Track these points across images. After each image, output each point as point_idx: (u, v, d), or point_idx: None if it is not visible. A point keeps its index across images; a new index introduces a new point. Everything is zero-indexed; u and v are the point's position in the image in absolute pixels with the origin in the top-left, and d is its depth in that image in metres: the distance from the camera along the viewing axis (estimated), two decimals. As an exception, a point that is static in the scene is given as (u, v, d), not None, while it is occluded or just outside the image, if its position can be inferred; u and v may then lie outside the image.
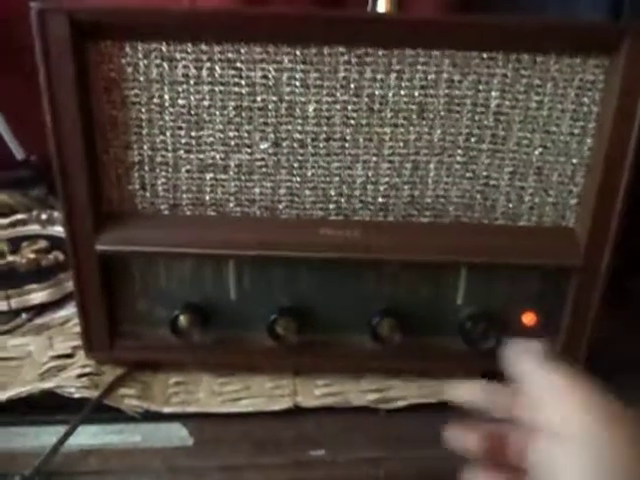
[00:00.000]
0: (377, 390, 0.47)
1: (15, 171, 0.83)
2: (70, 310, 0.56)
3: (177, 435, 0.43)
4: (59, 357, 0.49)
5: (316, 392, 0.47)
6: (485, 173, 0.44)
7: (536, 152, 0.44)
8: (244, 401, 0.46)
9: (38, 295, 0.58)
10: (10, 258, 0.62)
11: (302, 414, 0.46)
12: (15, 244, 0.64)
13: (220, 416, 0.45)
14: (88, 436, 0.43)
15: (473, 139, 0.43)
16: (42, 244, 0.64)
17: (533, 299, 0.47)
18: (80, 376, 0.46)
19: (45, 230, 0.67)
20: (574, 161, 0.44)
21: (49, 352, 0.50)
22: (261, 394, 0.47)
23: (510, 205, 0.45)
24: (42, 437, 0.43)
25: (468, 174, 0.44)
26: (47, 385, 0.44)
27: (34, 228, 0.68)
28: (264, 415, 0.45)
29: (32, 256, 0.62)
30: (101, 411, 0.44)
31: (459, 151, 0.44)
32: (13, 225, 0.68)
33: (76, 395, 0.44)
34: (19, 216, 0.69)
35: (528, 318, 0.48)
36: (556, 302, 0.47)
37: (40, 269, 0.61)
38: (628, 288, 0.57)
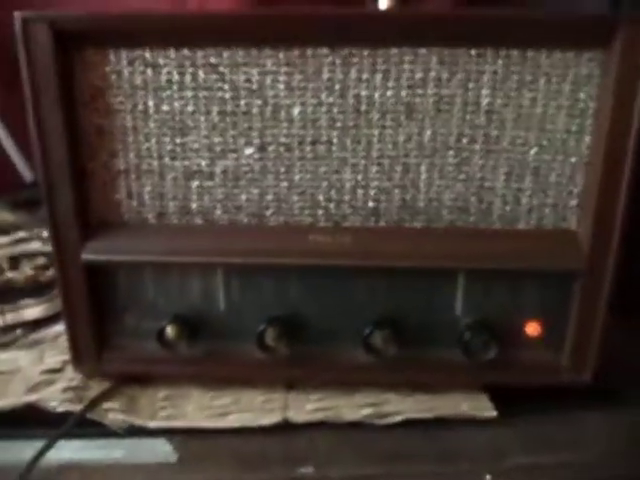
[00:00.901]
0: (371, 404, 0.45)
1: (23, 192, 0.85)
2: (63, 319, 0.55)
3: (161, 451, 0.42)
4: (49, 372, 0.49)
5: (308, 406, 0.45)
6: (479, 175, 0.43)
7: (532, 151, 0.42)
8: (232, 416, 0.44)
9: (33, 310, 0.57)
10: (9, 274, 0.62)
11: (293, 429, 0.44)
12: (16, 261, 0.64)
13: (207, 431, 0.43)
14: (70, 451, 0.41)
15: (465, 139, 0.42)
16: (41, 261, 0.64)
17: (535, 307, 0.45)
18: (65, 390, 0.45)
19: (45, 247, 0.67)
20: (573, 160, 0.42)
21: (39, 366, 0.49)
22: (251, 408, 0.45)
23: (507, 208, 0.43)
24: (26, 451, 0.41)
25: (461, 176, 0.43)
26: (30, 398, 0.43)
27: (35, 246, 0.68)
28: (253, 430, 0.43)
29: (31, 273, 0.62)
30: (85, 426, 0.43)
31: (451, 152, 0.42)
32: (15, 243, 0.68)
33: (59, 409, 0.43)
34: (21, 234, 0.69)
35: (532, 328, 0.46)
36: (560, 310, 0.45)
37: (38, 285, 0.61)
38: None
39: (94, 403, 0.44)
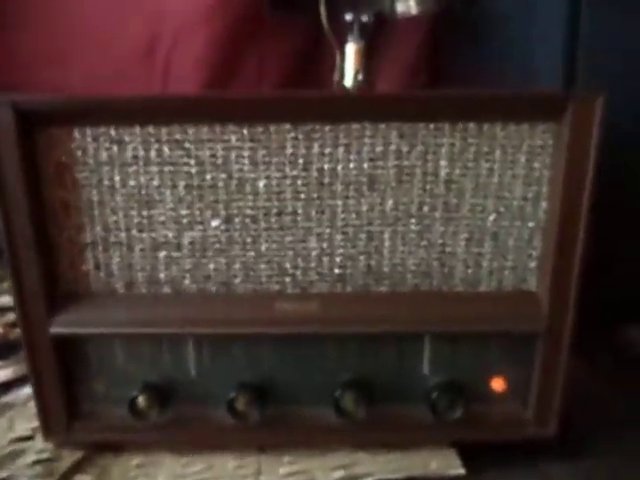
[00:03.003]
0: (343, 466, 0.45)
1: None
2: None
3: (134, 525, 0.42)
4: (19, 440, 0.48)
5: (281, 470, 0.45)
6: (440, 241, 0.44)
7: (490, 218, 0.44)
8: (204, 484, 0.44)
9: (3, 372, 0.57)
10: (-22, 333, 0.61)
11: (266, 495, 0.44)
12: (-16, 317, 0.64)
13: (180, 501, 0.43)
14: (40, 530, 0.41)
15: (426, 208, 0.43)
16: (11, 317, 0.63)
17: (500, 365, 0.46)
18: (35, 464, 0.44)
19: (15, 302, 0.66)
20: (530, 225, 0.44)
21: (9, 434, 0.49)
22: (224, 475, 0.45)
23: (468, 271, 0.45)
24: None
25: (423, 242, 0.44)
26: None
27: (5, 300, 0.67)
28: (226, 498, 0.44)
29: (0, 330, 0.61)
30: (57, 500, 0.43)
31: (412, 220, 0.43)
32: (-16, 298, 0.67)
33: (29, 485, 0.43)
34: (-10, 288, 0.68)
35: (497, 384, 0.47)
36: (524, 366, 0.46)
37: (7, 343, 0.60)
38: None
39: (65, 478, 0.44)
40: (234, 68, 0.88)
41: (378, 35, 0.79)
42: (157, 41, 0.90)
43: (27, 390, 0.55)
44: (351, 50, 0.73)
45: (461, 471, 0.45)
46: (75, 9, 0.87)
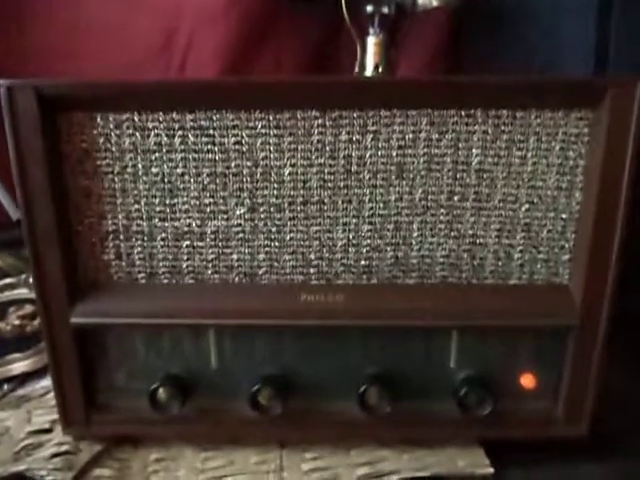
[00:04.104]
0: (367, 463, 0.44)
1: (9, 231, 0.83)
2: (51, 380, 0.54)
3: (154, 520, 0.41)
4: (37, 432, 0.47)
5: (303, 466, 0.44)
6: (471, 231, 0.43)
7: (523, 208, 0.42)
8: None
9: (20, 365, 0.56)
10: (-5, 325, 0.61)
11: (289, 492, 0.43)
12: (2, 310, 0.63)
13: (201, 496, 0.42)
14: (60, 524, 0.40)
15: (456, 197, 0.42)
16: (28, 309, 0.63)
17: (530, 361, 0.45)
18: (54, 456, 0.44)
19: (32, 294, 0.66)
20: (563, 216, 0.42)
21: (27, 427, 0.48)
22: (245, 470, 0.44)
23: (499, 263, 0.43)
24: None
25: (453, 233, 0.43)
26: (18, 468, 0.42)
27: (22, 292, 0.66)
28: (248, 494, 0.43)
29: (17, 322, 0.61)
30: (76, 494, 0.42)
31: (442, 210, 0.42)
32: (1, 290, 0.67)
33: (48, 478, 0.42)
34: (8, 280, 0.68)
35: (526, 380, 0.45)
36: (555, 363, 0.45)
37: (24, 336, 0.60)
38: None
39: (84, 471, 0.43)
40: (251, 61, 0.87)
41: (399, 27, 0.78)
42: (174, 35, 0.89)
43: (43, 383, 0.55)
44: (372, 42, 0.71)
45: (490, 470, 0.44)
46: (90, 3, 0.87)
